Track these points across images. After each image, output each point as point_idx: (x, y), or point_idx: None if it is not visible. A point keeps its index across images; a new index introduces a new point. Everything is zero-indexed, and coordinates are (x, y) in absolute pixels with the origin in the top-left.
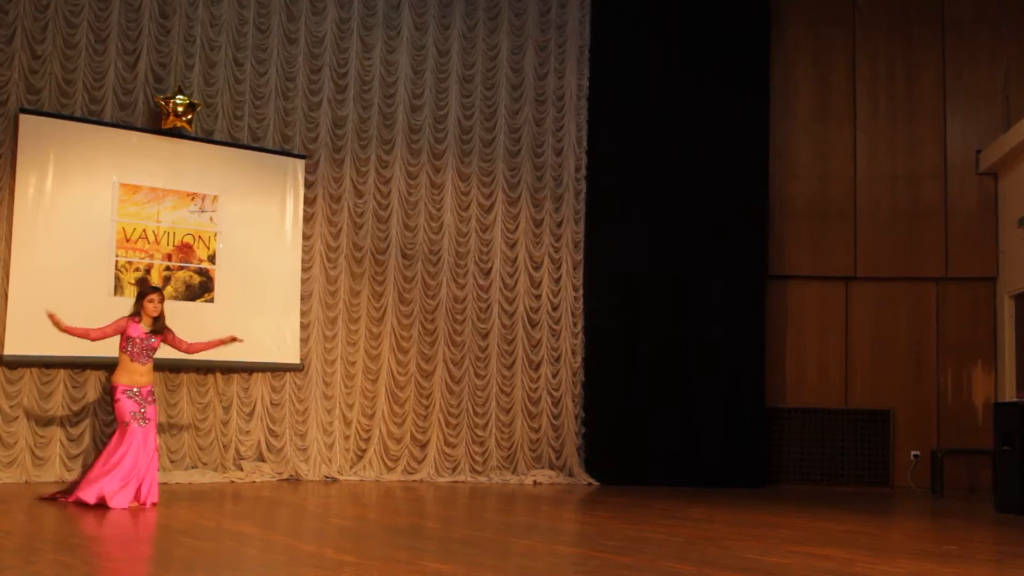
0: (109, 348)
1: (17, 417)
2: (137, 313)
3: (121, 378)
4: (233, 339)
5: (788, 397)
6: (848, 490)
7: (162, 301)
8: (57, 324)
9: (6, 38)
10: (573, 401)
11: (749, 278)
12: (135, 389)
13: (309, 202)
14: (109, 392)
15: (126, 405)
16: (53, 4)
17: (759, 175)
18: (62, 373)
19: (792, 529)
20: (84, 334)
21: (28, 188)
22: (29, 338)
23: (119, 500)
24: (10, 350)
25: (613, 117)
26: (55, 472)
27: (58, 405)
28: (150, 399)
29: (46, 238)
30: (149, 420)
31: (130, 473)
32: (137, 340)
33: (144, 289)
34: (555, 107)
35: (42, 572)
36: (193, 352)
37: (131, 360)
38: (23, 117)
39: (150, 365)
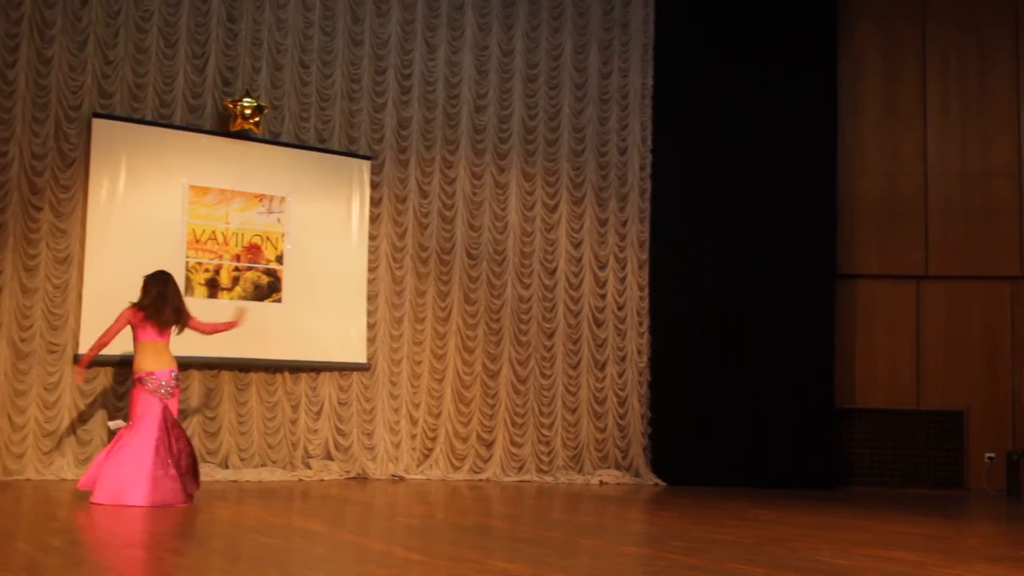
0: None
1: (93, 415)
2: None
3: (142, 364)
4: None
5: (858, 398)
6: (920, 492)
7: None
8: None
9: (79, 44)
10: (639, 401)
11: (817, 277)
12: (146, 375)
13: (375, 203)
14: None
15: (140, 395)
16: (124, 10)
17: (827, 173)
18: None
19: (863, 532)
20: (95, 348)
21: (101, 191)
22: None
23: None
24: (84, 350)
25: (678, 115)
26: None
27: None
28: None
29: (118, 239)
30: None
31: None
32: (140, 321)
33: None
34: (619, 106)
35: (117, 567)
36: (207, 331)
37: (146, 341)
38: (96, 121)
39: (166, 343)
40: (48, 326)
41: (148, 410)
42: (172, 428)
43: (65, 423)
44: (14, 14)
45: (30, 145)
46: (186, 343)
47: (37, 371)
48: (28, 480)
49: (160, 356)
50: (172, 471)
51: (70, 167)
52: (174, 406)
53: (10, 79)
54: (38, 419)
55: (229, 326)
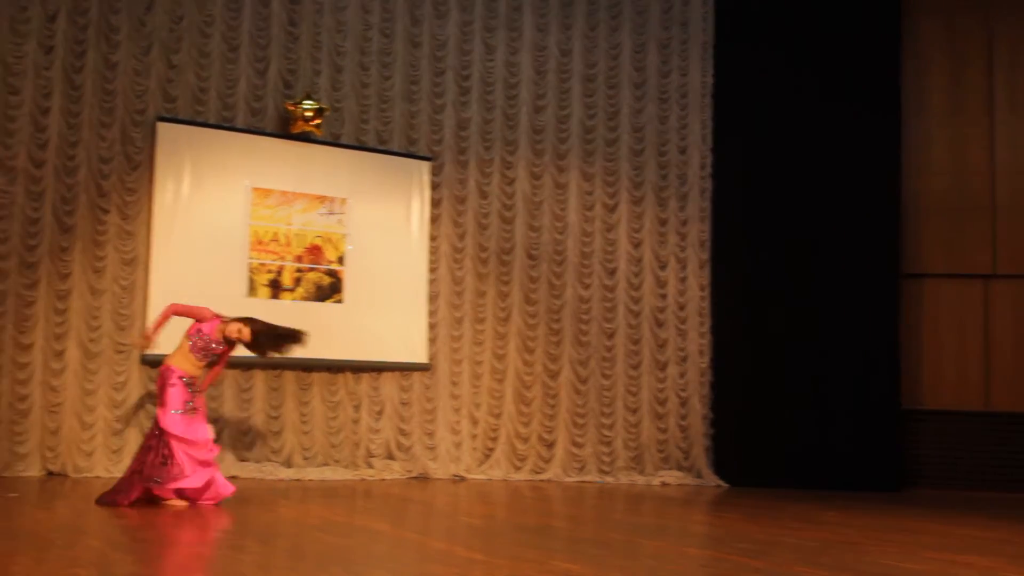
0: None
1: None
2: (225, 320)
3: (181, 363)
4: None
5: (925, 399)
6: (990, 495)
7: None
8: (148, 337)
9: (144, 49)
10: (701, 402)
11: (882, 276)
12: (189, 378)
13: (435, 203)
14: (161, 374)
15: (180, 393)
16: (188, 15)
17: (891, 170)
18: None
19: (931, 535)
20: (166, 315)
21: (166, 193)
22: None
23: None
24: (151, 349)
25: (739, 113)
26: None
27: None
28: (198, 388)
29: (183, 241)
30: (198, 410)
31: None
32: (206, 336)
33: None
34: (679, 105)
35: (183, 563)
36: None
37: (190, 351)
38: (160, 125)
39: (203, 366)
40: (116, 327)
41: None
42: None
43: (133, 422)
44: (81, 20)
45: (97, 149)
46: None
47: (105, 371)
48: (98, 477)
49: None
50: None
51: (136, 170)
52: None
53: (77, 84)
54: (106, 418)
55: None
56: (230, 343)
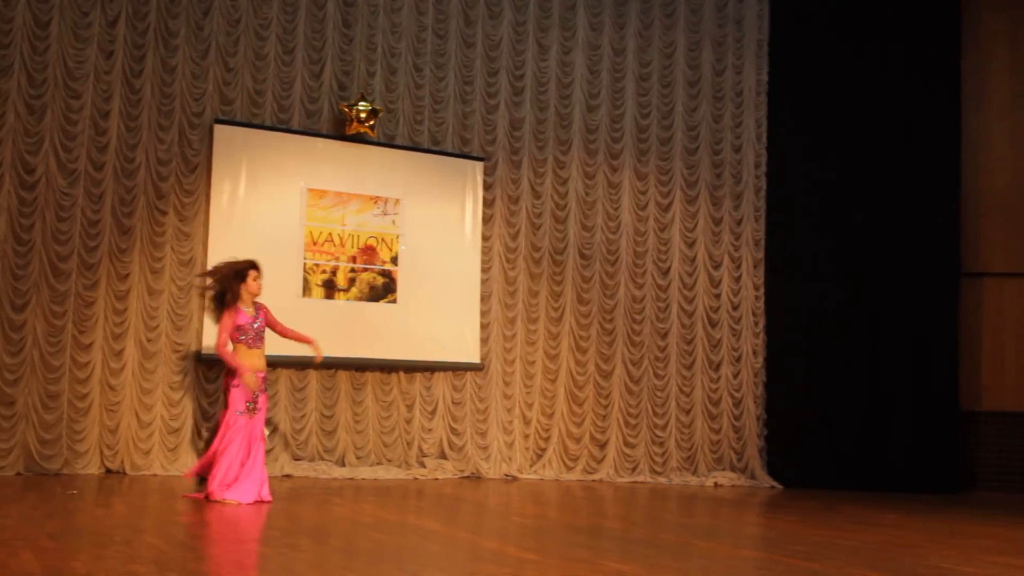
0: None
1: (215, 414)
2: (233, 301)
3: (245, 361)
4: (314, 348)
5: (984, 400)
6: None
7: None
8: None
9: (201, 52)
10: (754, 402)
11: (940, 275)
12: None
13: (488, 203)
14: (227, 376)
15: (243, 394)
16: (244, 19)
17: (950, 168)
18: None
19: (991, 539)
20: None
21: (223, 194)
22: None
23: (239, 494)
24: (207, 349)
25: (794, 112)
26: None
27: None
28: (263, 387)
29: (239, 242)
30: (259, 410)
31: (236, 464)
32: (247, 327)
33: (242, 267)
34: (733, 103)
35: (239, 561)
36: (286, 336)
37: (248, 348)
38: (217, 127)
39: (264, 347)
40: (173, 327)
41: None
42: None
43: (189, 421)
44: (140, 25)
45: (156, 151)
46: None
47: (163, 370)
48: (154, 475)
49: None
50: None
51: (193, 172)
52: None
53: (136, 88)
54: (163, 416)
55: (301, 338)
56: (256, 305)
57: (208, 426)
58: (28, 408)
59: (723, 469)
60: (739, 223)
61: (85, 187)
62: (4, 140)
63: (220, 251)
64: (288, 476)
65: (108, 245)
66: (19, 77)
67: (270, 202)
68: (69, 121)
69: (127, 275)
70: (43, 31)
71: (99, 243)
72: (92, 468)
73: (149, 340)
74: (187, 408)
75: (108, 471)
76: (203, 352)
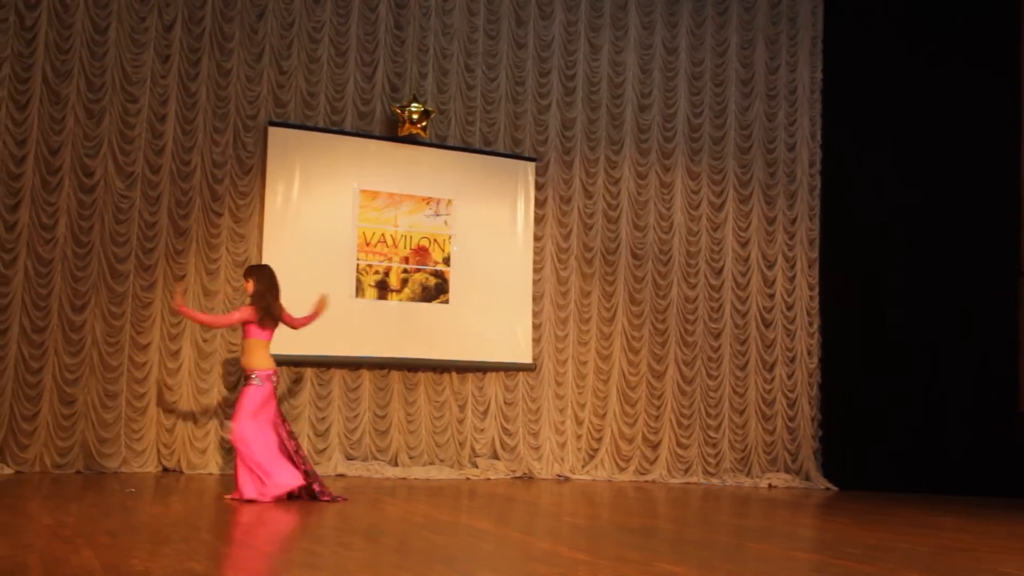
0: (359, 347)
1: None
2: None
3: (265, 363)
4: (322, 303)
5: None
6: None
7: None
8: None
9: (256, 56)
10: (809, 403)
11: (998, 275)
12: (275, 375)
13: (539, 204)
14: (257, 379)
15: (266, 391)
16: (297, 22)
17: (1009, 166)
18: (309, 371)
19: None
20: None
21: (277, 196)
22: (279, 338)
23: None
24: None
25: (849, 110)
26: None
27: (305, 402)
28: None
29: (293, 243)
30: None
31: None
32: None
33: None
34: (787, 101)
35: (293, 559)
36: (298, 326)
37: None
38: (271, 129)
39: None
40: (228, 327)
41: (266, 407)
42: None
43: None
44: (196, 29)
45: (211, 154)
46: (357, 344)
47: (218, 370)
48: (210, 474)
49: (269, 354)
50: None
51: (248, 174)
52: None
53: (192, 91)
54: (219, 416)
55: (314, 317)
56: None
57: None
58: (87, 407)
59: (777, 470)
60: (793, 222)
61: (142, 190)
62: (64, 144)
63: (274, 252)
64: (341, 475)
65: (165, 247)
66: (78, 82)
67: (323, 203)
68: (127, 125)
69: (183, 276)
70: (101, 36)
71: (156, 245)
72: (149, 467)
73: (205, 340)
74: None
75: (165, 469)
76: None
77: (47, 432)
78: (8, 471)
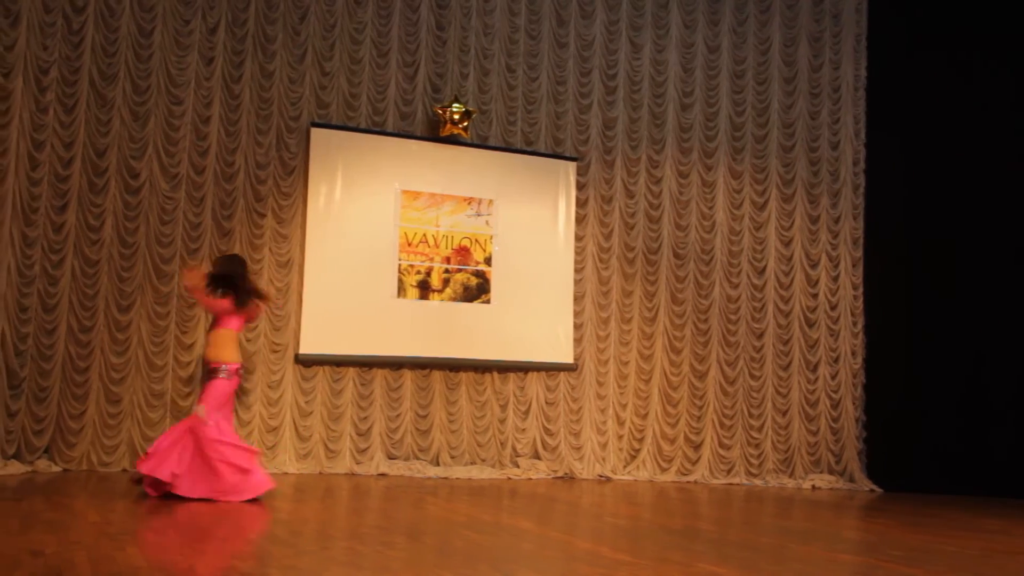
0: (401, 347)
1: (312, 412)
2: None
3: (236, 356)
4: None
5: None
6: None
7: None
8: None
9: (298, 57)
10: (853, 403)
11: None
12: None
13: (581, 203)
14: (226, 373)
15: (233, 385)
16: (339, 23)
17: None
18: (351, 371)
19: None
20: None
21: (319, 196)
22: (322, 338)
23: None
24: (304, 349)
25: (893, 107)
26: (345, 464)
27: (348, 402)
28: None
29: (335, 243)
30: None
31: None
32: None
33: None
34: (831, 99)
35: (336, 558)
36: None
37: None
38: (314, 130)
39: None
40: (271, 327)
41: (230, 402)
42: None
43: (287, 419)
44: (239, 32)
45: (254, 155)
46: (399, 343)
47: (262, 370)
48: None
49: (238, 347)
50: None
51: (291, 175)
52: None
53: (236, 93)
54: (262, 415)
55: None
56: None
57: (304, 424)
58: (133, 406)
59: (821, 471)
60: (837, 221)
61: (187, 191)
62: (110, 146)
63: (317, 253)
64: (383, 475)
65: (209, 247)
66: (124, 84)
67: (365, 204)
68: (171, 127)
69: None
70: (146, 39)
71: (200, 245)
72: None
73: (248, 340)
74: (285, 407)
75: None
76: (300, 353)
77: (94, 431)
78: (56, 469)
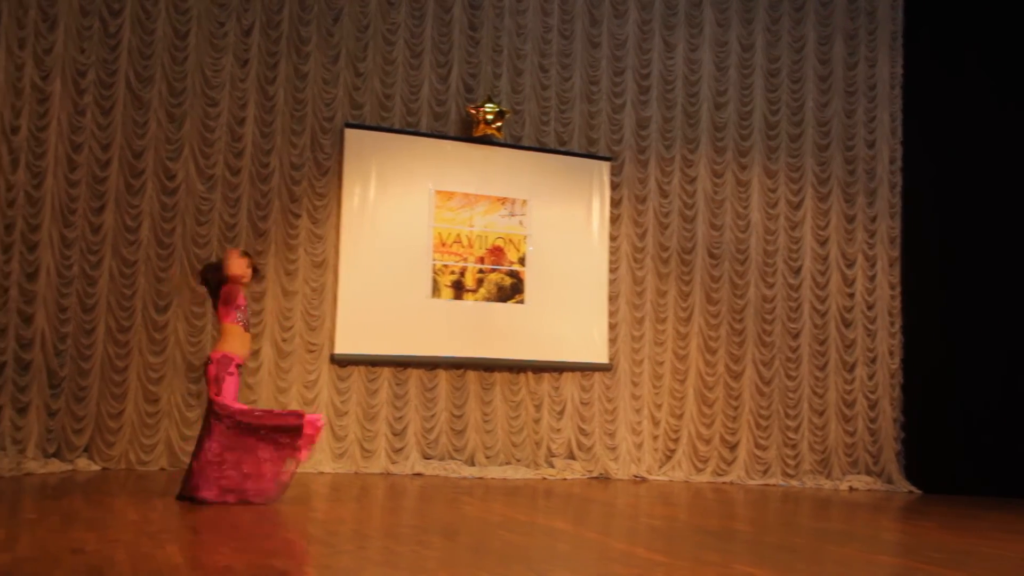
0: (435, 347)
1: (347, 412)
2: (230, 280)
3: (237, 348)
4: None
5: None
6: None
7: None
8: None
9: (332, 59)
10: (891, 404)
11: None
12: (244, 364)
13: (615, 203)
14: (217, 364)
15: (236, 383)
16: (373, 24)
17: None
18: (386, 371)
19: None
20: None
21: (353, 197)
22: (357, 338)
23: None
24: (340, 349)
25: (930, 105)
26: (381, 464)
27: (383, 402)
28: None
29: (370, 243)
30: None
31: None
32: (244, 307)
33: (226, 257)
34: (866, 97)
35: (372, 557)
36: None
37: (244, 329)
38: (348, 131)
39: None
40: (307, 327)
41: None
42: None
43: (323, 418)
44: (274, 33)
45: (289, 156)
46: (434, 344)
47: (297, 369)
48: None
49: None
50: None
51: (325, 176)
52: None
53: (271, 95)
54: None
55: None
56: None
57: (340, 424)
58: (171, 406)
59: (858, 473)
60: (873, 220)
61: (222, 192)
62: (147, 148)
63: (351, 253)
64: (419, 475)
65: (244, 248)
66: (160, 87)
67: (399, 204)
68: (207, 128)
69: (262, 277)
70: (182, 42)
71: (236, 246)
72: None
73: (284, 340)
74: (321, 406)
75: None
76: (336, 353)
77: (132, 430)
78: (95, 468)
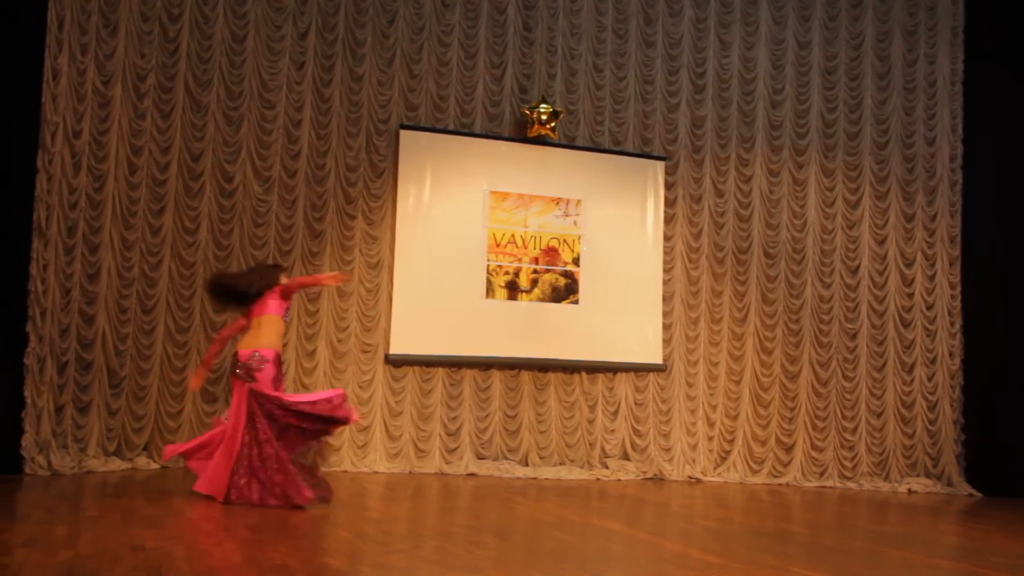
0: (489, 347)
1: (402, 412)
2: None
3: (279, 343)
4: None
5: None
6: None
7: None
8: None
9: (387, 60)
10: (951, 406)
11: None
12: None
13: (669, 203)
14: (272, 362)
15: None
16: (427, 26)
17: None
18: (440, 371)
19: None
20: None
21: (408, 198)
22: (411, 338)
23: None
24: (395, 349)
25: (991, 102)
26: (435, 464)
27: (437, 402)
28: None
29: (424, 244)
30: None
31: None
32: (286, 307)
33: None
34: (926, 94)
35: (426, 556)
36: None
37: (285, 325)
38: (403, 133)
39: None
40: (362, 327)
41: (238, 401)
42: (257, 420)
43: (377, 418)
44: (329, 36)
45: (344, 158)
46: (488, 344)
47: (352, 370)
48: (344, 472)
49: (246, 337)
50: (255, 479)
51: (380, 177)
52: (267, 387)
53: (326, 97)
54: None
55: (318, 279)
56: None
57: (395, 424)
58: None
59: (917, 475)
60: (933, 219)
61: (279, 193)
62: (205, 150)
63: (406, 254)
64: (472, 475)
65: (300, 249)
66: (218, 90)
67: (454, 205)
68: (264, 131)
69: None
70: (239, 46)
71: (292, 247)
72: None
73: (339, 341)
74: (376, 406)
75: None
76: (390, 353)
77: (190, 429)
78: (154, 466)
